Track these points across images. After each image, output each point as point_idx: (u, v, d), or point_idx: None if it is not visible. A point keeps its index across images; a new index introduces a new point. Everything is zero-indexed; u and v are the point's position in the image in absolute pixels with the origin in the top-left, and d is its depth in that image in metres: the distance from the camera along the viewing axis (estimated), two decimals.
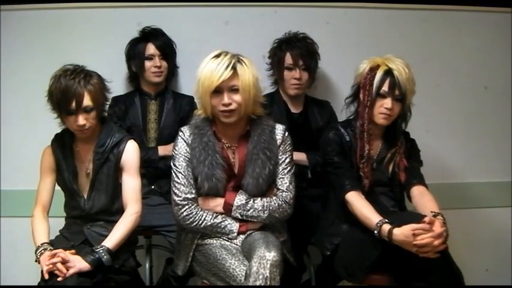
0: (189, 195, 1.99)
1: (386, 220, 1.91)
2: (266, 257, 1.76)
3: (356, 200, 2.04)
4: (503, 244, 2.95)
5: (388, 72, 2.04)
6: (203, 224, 1.97)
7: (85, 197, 2.08)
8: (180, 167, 2.01)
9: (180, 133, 2.05)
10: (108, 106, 2.26)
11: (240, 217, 1.98)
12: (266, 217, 1.98)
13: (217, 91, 1.94)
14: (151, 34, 2.58)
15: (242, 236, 1.98)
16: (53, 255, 1.88)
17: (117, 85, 2.55)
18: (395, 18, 2.83)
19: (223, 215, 2.00)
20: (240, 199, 1.98)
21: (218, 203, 2.00)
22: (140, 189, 2.11)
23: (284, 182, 2.03)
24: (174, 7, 2.74)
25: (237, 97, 1.94)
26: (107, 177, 2.07)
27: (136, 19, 2.65)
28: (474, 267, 2.76)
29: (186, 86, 2.73)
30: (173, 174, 2.02)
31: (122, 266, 2.01)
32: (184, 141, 2.03)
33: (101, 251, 1.91)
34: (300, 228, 2.24)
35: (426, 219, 1.86)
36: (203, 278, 2.01)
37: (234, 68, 1.92)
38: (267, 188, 2.02)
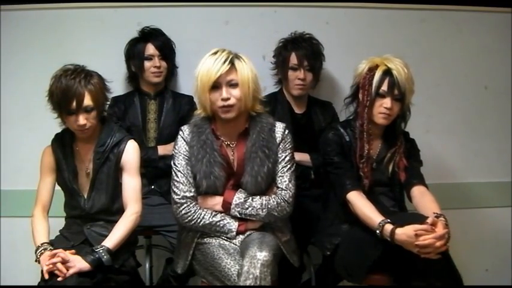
0: (187, 194, 1.99)
1: (389, 220, 1.91)
2: (257, 257, 1.76)
3: (357, 200, 2.03)
4: (503, 244, 2.95)
5: (387, 72, 2.04)
6: (201, 222, 1.97)
7: (85, 196, 2.08)
8: (179, 166, 2.01)
9: (180, 132, 2.05)
10: (107, 106, 2.26)
11: (238, 215, 1.98)
12: (265, 215, 1.97)
13: (216, 86, 1.93)
14: (150, 34, 2.58)
15: (241, 236, 1.98)
16: (53, 255, 1.88)
17: (117, 85, 2.55)
18: (395, 18, 2.82)
19: (222, 214, 1.99)
20: (238, 197, 1.98)
21: (217, 202, 2.00)
22: (140, 189, 2.11)
23: (283, 180, 2.02)
24: (174, 7, 2.74)
25: (236, 92, 1.93)
26: (107, 177, 2.07)
27: (136, 19, 2.65)
28: (474, 267, 2.76)
29: (186, 85, 2.73)
30: (173, 173, 2.02)
31: (122, 266, 2.01)
32: (184, 140, 2.03)
33: (101, 251, 1.91)
34: (301, 228, 2.24)
35: (429, 220, 1.86)
36: (202, 277, 2.01)
37: (231, 62, 1.92)
38: (267, 186, 2.01)
